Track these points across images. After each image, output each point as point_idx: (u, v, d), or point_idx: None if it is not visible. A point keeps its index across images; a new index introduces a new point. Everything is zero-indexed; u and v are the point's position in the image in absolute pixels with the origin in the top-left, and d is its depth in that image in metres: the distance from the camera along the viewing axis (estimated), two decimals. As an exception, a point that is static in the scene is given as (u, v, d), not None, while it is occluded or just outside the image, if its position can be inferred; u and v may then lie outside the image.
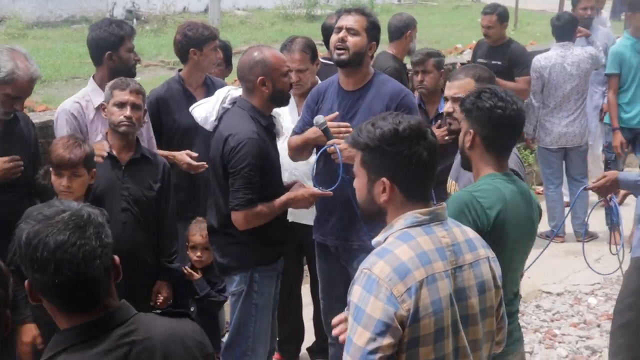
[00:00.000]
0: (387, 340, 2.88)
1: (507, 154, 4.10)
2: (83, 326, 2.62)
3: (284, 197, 5.28)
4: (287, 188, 5.46)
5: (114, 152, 5.27)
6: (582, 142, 9.55)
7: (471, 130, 3.97)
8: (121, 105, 5.12)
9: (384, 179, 3.06)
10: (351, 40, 5.26)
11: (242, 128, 5.15)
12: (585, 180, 8.82)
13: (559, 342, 7.06)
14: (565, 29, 9.55)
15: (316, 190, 5.40)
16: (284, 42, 6.41)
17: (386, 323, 2.87)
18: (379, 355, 2.87)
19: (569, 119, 9.37)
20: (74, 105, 5.84)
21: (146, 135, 5.97)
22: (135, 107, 5.16)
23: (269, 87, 5.17)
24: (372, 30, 5.43)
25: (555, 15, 10.47)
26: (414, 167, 3.06)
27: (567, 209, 8.76)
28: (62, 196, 4.66)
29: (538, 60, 9.47)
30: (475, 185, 4.00)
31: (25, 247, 2.58)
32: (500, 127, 3.90)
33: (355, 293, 2.99)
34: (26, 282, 2.66)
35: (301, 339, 6.76)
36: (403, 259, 2.95)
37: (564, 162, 9.68)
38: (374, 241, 3.22)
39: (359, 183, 3.22)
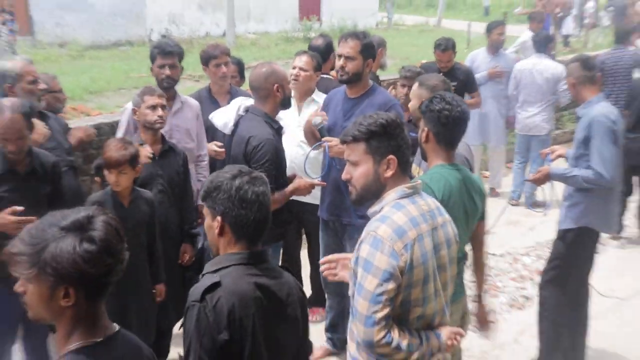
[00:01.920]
0: (391, 285, 3.19)
1: (454, 147, 4.29)
2: (246, 253, 3.02)
3: (290, 187, 5.57)
4: (291, 179, 5.71)
5: (148, 146, 5.49)
6: (542, 132, 10.32)
7: (425, 128, 4.23)
8: (153, 107, 5.40)
9: (390, 156, 3.38)
10: (349, 65, 5.60)
11: (260, 131, 5.39)
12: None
13: (501, 292, 7.65)
14: (542, 44, 10.46)
15: (314, 181, 5.71)
16: (298, 52, 6.72)
17: (390, 272, 3.19)
18: (385, 297, 3.18)
19: (531, 113, 10.24)
20: (131, 105, 5.89)
21: (200, 131, 6.41)
22: (163, 107, 5.49)
23: (281, 93, 5.52)
24: (366, 50, 5.67)
25: (535, 33, 11.20)
26: (406, 147, 3.45)
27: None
28: (113, 187, 4.95)
29: (517, 65, 10.49)
30: (428, 174, 4.24)
31: (236, 191, 3.00)
32: (447, 125, 4.14)
33: (364, 250, 3.27)
34: (218, 218, 3.00)
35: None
36: (400, 223, 3.26)
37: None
38: (370, 211, 3.49)
39: (363, 169, 3.44)
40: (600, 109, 5.65)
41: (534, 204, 9.46)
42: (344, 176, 3.57)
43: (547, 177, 5.80)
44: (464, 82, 8.56)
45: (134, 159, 4.88)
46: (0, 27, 19.41)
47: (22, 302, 2.40)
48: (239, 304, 2.83)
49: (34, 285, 2.34)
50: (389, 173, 3.40)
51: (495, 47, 10.16)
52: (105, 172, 4.86)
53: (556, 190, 5.94)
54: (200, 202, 3.23)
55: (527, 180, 6.08)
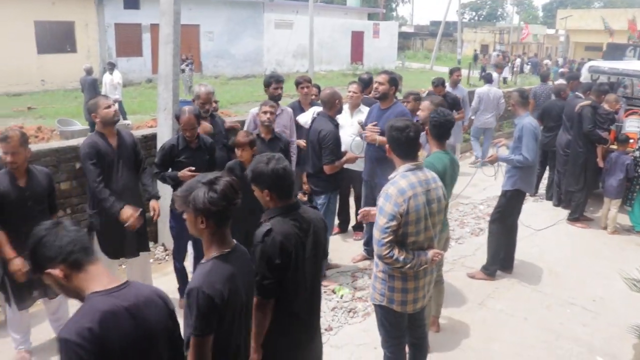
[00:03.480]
0: (393, 223, 3.14)
1: (445, 140, 4.23)
2: (284, 207, 2.82)
3: (343, 159, 5.49)
4: (343, 154, 5.59)
5: (262, 135, 5.31)
6: (491, 126, 10.81)
7: (427, 129, 4.22)
8: (265, 113, 5.26)
9: (387, 145, 3.41)
10: (380, 88, 5.58)
11: (326, 126, 5.41)
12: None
13: (466, 225, 7.51)
14: (490, 79, 11.02)
15: (357, 155, 5.70)
16: (350, 82, 6.59)
17: (393, 215, 3.14)
18: (389, 229, 3.14)
19: (487, 116, 10.56)
20: (255, 110, 6.04)
21: (292, 126, 6.25)
22: (272, 113, 5.31)
23: (339, 104, 5.60)
24: (392, 81, 5.63)
25: (485, 73, 11.71)
26: (399, 143, 3.32)
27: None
28: (239, 158, 4.73)
29: (478, 90, 10.73)
30: (432, 157, 4.16)
31: (272, 171, 2.77)
32: (438, 128, 4.12)
33: (380, 201, 3.23)
34: (266, 191, 2.80)
35: (349, 221, 7.10)
36: (402, 185, 3.18)
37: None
38: (390, 176, 3.35)
39: (389, 151, 3.41)
40: (529, 120, 5.68)
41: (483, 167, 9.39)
42: (388, 154, 3.46)
43: (496, 159, 5.75)
44: (452, 104, 8.19)
45: (252, 143, 4.72)
46: (185, 68, 19.89)
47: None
48: (285, 240, 2.70)
49: (188, 218, 2.35)
50: (388, 154, 3.44)
51: (455, 83, 9.76)
52: (236, 150, 4.74)
53: (501, 167, 5.88)
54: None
55: (484, 160, 5.84)
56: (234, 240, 2.48)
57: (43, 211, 4.23)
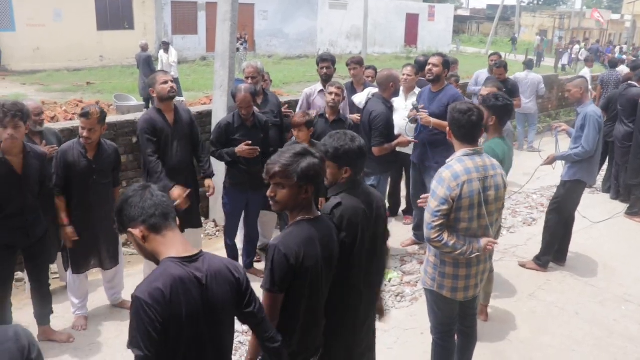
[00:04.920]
0: (444, 207, 3.10)
1: (503, 125, 4.19)
2: (352, 182, 2.81)
3: (395, 142, 5.46)
4: (396, 137, 5.58)
5: (327, 116, 5.30)
6: (531, 111, 10.51)
7: (492, 117, 4.06)
8: (330, 93, 5.22)
9: (448, 128, 3.31)
10: (434, 70, 5.55)
11: (378, 107, 5.40)
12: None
13: (518, 215, 7.34)
14: (531, 65, 10.99)
15: (411, 139, 5.59)
16: (405, 65, 6.47)
17: (445, 199, 3.09)
18: (439, 213, 3.10)
19: (523, 102, 9.93)
20: (307, 90, 6.22)
21: (345, 105, 6.05)
22: (337, 95, 5.23)
23: (394, 87, 5.55)
24: (445, 63, 5.62)
25: (527, 59, 11.26)
26: (460, 126, 3.23)
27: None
28: (296, 139, 4.68)
29: (517, 75, 10.38)
30: (492, 142, 4.09)
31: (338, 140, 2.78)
32: (500, 112, 4.05)
33: (433, 184, 3.19)
34: (346, 168, 2.78)
35: (399, 205, 7.09)
36: (457, 170, 3.12)
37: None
38: (447, 160, 3.28)
39: (447, 131, 3.36)
40: (592, 108, 5.45)
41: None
42: (448, 137, 3.39)
43: (553, 159, 5.57)
44: (510, 90, 7.95)
45: (309, 123, 4.70)
46: (239, 47, 20.07)
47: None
48: (352, 214, 2.71)
49: (288, 188, 2.38)
50: (449, 137, 3.36)
51: (491, 68, 9.30)
52: (293, 130, 4.75)
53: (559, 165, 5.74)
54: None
55: (541, 164, 5.66)
56: (319, 212, 2.54)
57: (107, 185, 4.39)
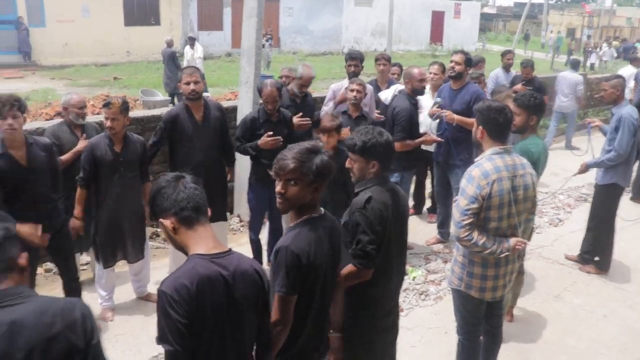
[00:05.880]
0: (474, 205, 3.07)
1: (537, 125, 4.14)
2: (381, 177, 2.82)
3: (419, 139, 5.48)
4: (421, 135, 5.61)
5: (349, 112, 5.21)
6: (569, 110, 10.47)
7: (518, 110, 3.94)
8: (352, 90, 5.17)
9: (482, 127, 3.23)
10: (457, 68, 5.56)
11: (402, 103, 5.44)
12: None
13: (545, 215, 7.21)
14: (576, 65, 10.98)
15: (436, 138, 5.58)
16: (432, 63, 6.53)
17: (475, 197, 3.06)
18: (469, 212, 3.07)
19: (561, 100, 10.39)
20: (334, 86, 6.22)
21: (371, 102, 5.95)
22: (359, 91, 5.18)
23: (411, 84, 5.49)
24: (467, 61, 5.63)
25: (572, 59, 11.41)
26: (496, 122, 3.18)
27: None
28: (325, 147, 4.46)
29: (560, 74, 10.59)
30: (528, 141, 3.98)
31: (385, 145, 2.80)
32: (536, 111, 3.97)
33: (462, 183, 3.16)
34: (374, 162, 2.79)
35: (424, 203, 7.03)
36: (487, 168, 3.09)
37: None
38: (476, 159, 3.26)
39: (474, 129, 3.30)
40: (628, 110, 5.29)
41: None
42: (478, 136, 3.30)
43: (586, 169, 5.46)
44: (538, 88, 7.83)
45: (339, 128, 4.41)
46: (264, 43, 20.14)
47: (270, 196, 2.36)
48: (384, 208, 2.70)
49: (300, 185, 2.33)
50: (479, 136, 3.26)
51: (507, 67, 9.21)
52: (322, 136, 4.42)
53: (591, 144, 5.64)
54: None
55: (574, 174, 5.58)
56: (322, 209, 2.50)
57: (134, 178, 4.43)
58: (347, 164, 2.90)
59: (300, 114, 4.84)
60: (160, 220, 2.04)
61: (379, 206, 2.69)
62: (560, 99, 10.47)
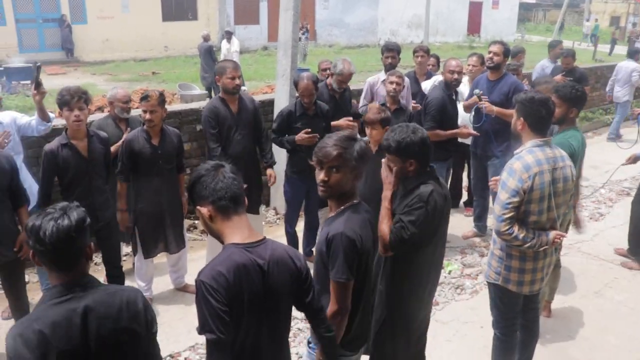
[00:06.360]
0: (515, 199, 3.03)
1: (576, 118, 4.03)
2: (431, 172, 2.84)
3: (452, 131, 5.42)
4: (452, 125, 5.49)
5: (388, 105, 5.17)
6: (621, 100, 10.36)
7: (558, 102, 3.79)
8: (391, 83, 5.16)
9: (524, 118, 3.16)
10: (495, 59, 5.48)
11: (435, 93, 5.49)
12: None
13: (585, 209, 6.97)
14: (633, 54, 10.75)
15: (472, 131, 5.52)
16: (470, 54, 6.50)
17: (516, 191, 3.02)
18: (510, 205, 3.04)
19: (616, 90, 10.35)
20: (371, 79, 6.19)
21: (407, 97, 5.84)
22: (398, 84, 5.18)
23: (453, 77, 5.49)
24: (506, 52, 5.53)
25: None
26: (539, 114, 3.12)
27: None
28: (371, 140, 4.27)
29: (619, 64, 10.54)
30: (568, 134, 3.87)
31: (421, 141, 2.80)
32: (577, 102, 3.88)
33: (503, 175, 3.11)
34: (411, 160, 2.76)
35: (460, 197, 6.95)
36: (528, 161, 3.05)
37: None
38: (515, 151, 3.21)
39: (513, 120, 3.25)
40: None
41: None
42: (519, 127, 3.24)
43: (636, 158, 5.27)
44: (579, 79, 7.64)
45: (384, 121, 4.19)
46: (300, 36, 20.21)
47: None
48: (441, 201, 2.71)
49: (342, 172, 2.38)
50: (519, 128, 3.20)
51: (556, 57, 8.93)
52: (366, 129, 4.30)
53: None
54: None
55: (623, 164, 5.34)
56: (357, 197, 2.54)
57: (172, 170, 4.53)
58: (385, 165, 2.89)
59: (309, 130, 4.80)
60: (198, 207, 2.07)
61: (438, 201, 2.70)
62: (616, 89, 10.40)
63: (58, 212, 1.81)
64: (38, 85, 4.21)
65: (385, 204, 2.80)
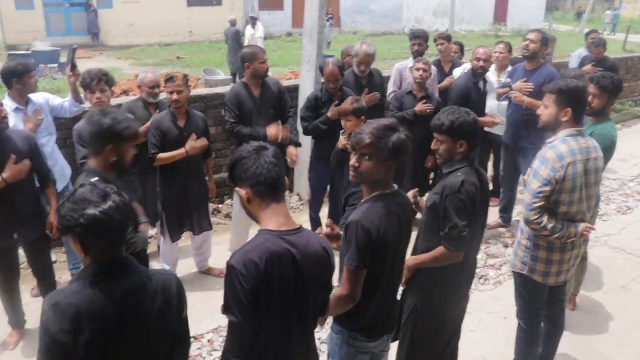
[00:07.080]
0: (547, 188, 2.99)
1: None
2: (465, 158, 2.81)
3: (480, 118, 5.39)
4: (483, 115, 5.38)
5: (414, 92, 5.27)
6: None
7: (598, 92, 3.73)
8: (417, 70, 5.18)
9: (569, 108, 3.07)
10: (531, 46, 5.33)
11: (460, 80, 5.50)
12: None
13: (612, 202, 6.93)
14: None
15: (496, 119, 5.47)
16: (498, 42, 6.33)
17: (548, 180, 2.98)
18: (541, 194, 3.00)
19: None
20: (398, 65, 6.14)
21: (433, 85, 5.80)
22: (424, 70, 5.16)
23: (478, 64, 5.46)
24: (543, 40, 5.38)
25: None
26: (582, 103, 3.14)
27: None
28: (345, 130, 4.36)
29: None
30: (606, 125, 3.76)
31: (472, 122, 2.79)
32: (614, 93, 3.80)
33: (536, 164, 3.08)
34: (462, 141, 2.75)
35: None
36: (561, 150, 3.00)
37: None
38: (547, 140, 3.14)
39: (549, 110, 3.13)
40: None
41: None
42: (538, 111, 3.22)
43: None
44: (609, 69, 7.49)
45: (357, 111, 4.25)
46: (325, 23, 20.02)
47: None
48: (473, 190, 2.68)
49: (374, 161, 2.36)
50: (565, 119, 3.09)
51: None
52: (342, 120, 4.39)
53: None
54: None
55: None
56: (395, 185, 2.50)
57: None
58: (433, 146, 2.87)
59: (366, 89, 4.76)
60: (237, 188, 2.06)
61: (472, 189, 2.68)
62: None
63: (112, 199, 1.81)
64: (74, 67, 4.25)
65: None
